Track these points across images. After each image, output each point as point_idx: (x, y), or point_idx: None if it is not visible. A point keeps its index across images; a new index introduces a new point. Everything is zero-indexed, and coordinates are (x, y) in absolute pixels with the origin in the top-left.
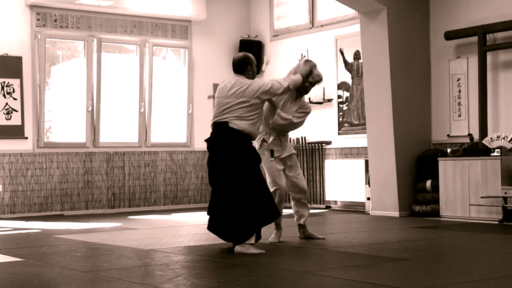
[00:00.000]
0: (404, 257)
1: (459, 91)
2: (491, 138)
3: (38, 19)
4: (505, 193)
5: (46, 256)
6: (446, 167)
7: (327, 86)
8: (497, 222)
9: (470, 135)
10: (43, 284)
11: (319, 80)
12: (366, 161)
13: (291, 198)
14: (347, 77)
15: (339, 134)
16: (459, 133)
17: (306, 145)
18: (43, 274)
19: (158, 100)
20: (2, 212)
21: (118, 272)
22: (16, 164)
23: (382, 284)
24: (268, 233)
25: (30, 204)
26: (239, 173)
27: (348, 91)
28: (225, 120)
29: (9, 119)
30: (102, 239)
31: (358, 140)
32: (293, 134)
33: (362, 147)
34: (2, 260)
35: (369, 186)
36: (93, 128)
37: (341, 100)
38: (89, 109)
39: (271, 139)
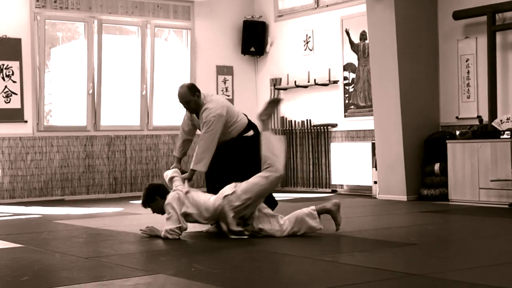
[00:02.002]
0: (412, 242)
1: (468, 72)
2: (501, 120)
3: (37, 0)
4: None
5: (47, 242)
6: (455, 150)
7: (333, 68)
8: (507, 206)
9: (479, 117)
10: (44, 271)
11: None
12: (373, 144)
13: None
14: (353, 58)
15: (345, 116)
16: (468, 115)
17: (312, 128)
18: (44, 260)
19: (160, 83)
20: (1, 197)
21: (120, 258)
22: (16, 148)
23: (389, 270)
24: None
25: (30, 189)
26: None
27: (354, 73)
28: None
29: (8, 102)
30: (104, 224)
31: (364, 123)
32: (298, 117)
33: (369, 130)
34: (1, 246)
35: (376, 169)
36: (94, 111)
37: (347, 81)
38: (90, 91)
39: None
